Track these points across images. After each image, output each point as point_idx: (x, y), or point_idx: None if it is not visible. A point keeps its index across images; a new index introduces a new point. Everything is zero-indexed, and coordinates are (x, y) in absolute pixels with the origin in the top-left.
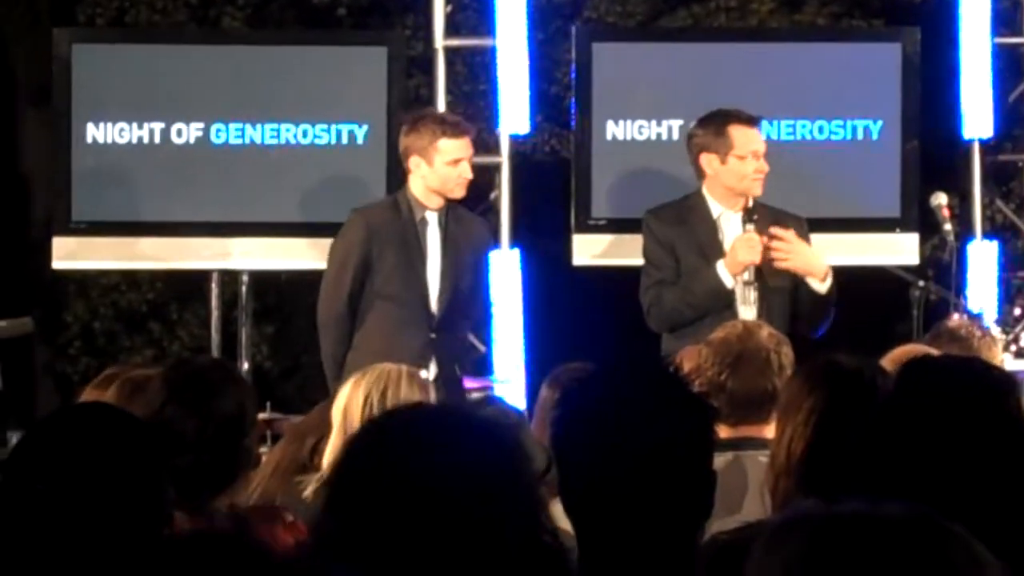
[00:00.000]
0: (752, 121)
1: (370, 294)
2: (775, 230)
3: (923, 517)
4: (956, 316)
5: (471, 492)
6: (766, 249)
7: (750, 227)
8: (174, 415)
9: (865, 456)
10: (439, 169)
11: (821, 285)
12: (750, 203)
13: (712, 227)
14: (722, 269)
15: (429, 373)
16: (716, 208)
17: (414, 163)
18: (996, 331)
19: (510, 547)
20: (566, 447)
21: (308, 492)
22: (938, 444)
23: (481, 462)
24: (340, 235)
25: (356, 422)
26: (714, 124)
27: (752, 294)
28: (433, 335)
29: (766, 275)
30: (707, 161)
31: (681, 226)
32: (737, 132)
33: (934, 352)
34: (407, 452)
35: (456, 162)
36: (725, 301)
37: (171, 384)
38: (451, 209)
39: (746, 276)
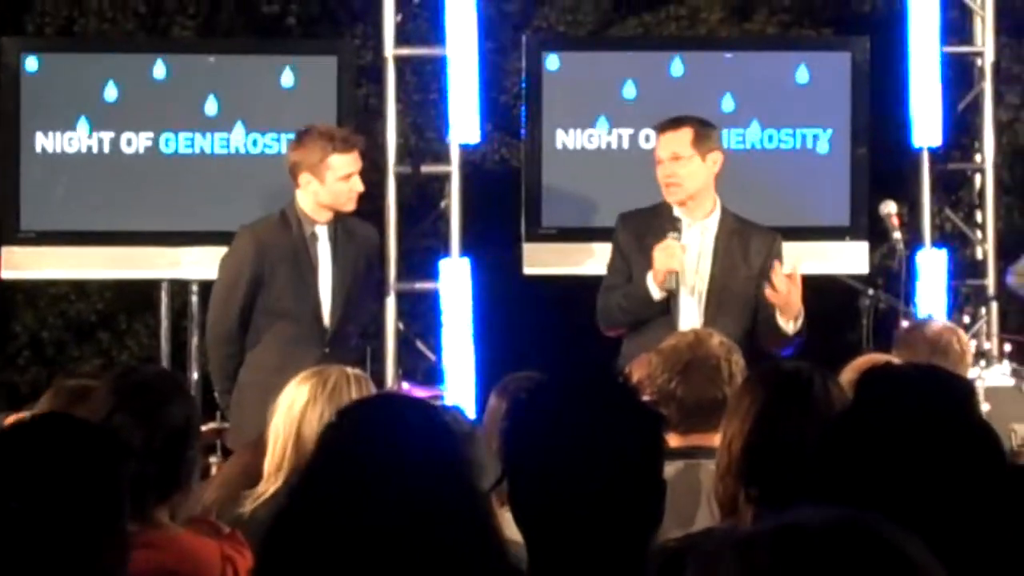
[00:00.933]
0: (661, 127)
1: (262, 310)
2: (788, 270)
3: (852, 523)
4: (935, 324)
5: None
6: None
7: (673, 235)
8: (122, 424)
9: (825, 465)
10: (331, 185)
11: (787, 325)
12: (714, 215)
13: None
14: (650, 279)
15: None
16: (684, 219)
17: (304, 180)
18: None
19: (461, 552)
20: (516, 457)
21: (246, 509)
22: (899, 452)
23: (438, 450)
24: (229, 251)
25: (313, 431)
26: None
27: (694, 305)
28: (327, 350)
29: (717, 290)
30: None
31: (640, 231)
32: (657, 140)
33: (895, 360)
34: (374, 441)
35: (347, 177)
36: (654, 309)
37: (119, 393)
38: (340, 221)
39: (694, 285)
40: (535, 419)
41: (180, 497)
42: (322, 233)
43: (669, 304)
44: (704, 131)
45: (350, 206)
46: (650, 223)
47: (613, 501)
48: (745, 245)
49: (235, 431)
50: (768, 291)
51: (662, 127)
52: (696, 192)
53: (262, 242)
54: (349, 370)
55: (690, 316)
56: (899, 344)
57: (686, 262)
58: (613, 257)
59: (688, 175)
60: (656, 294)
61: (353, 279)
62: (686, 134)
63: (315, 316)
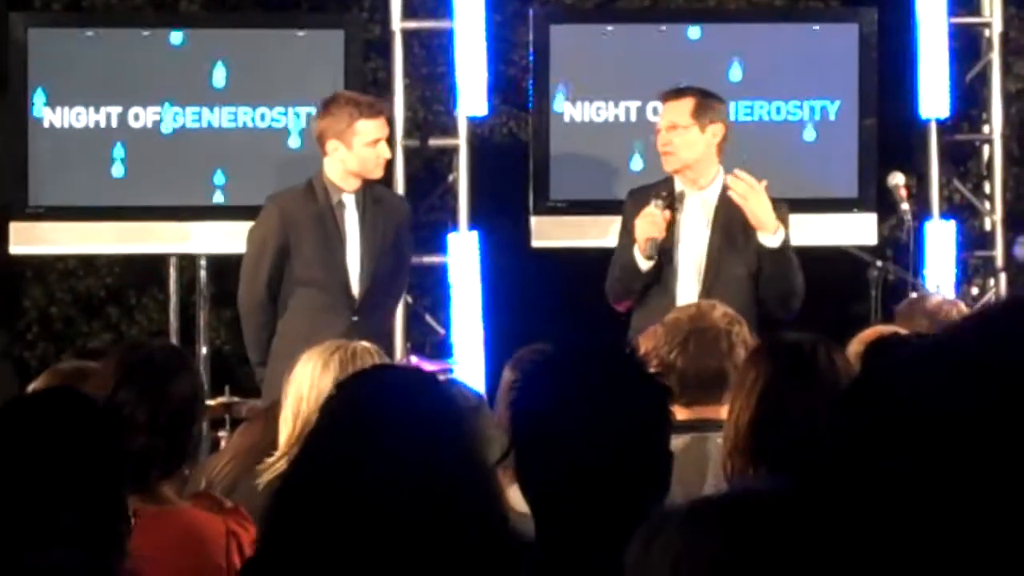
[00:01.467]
0: (665, 96)
1: (290, 280)
2: (736, 170)
3: (794, 495)
4: (935, 296)
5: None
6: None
7: (656, 203)
8: (127, 399)
9: (831, 438)
10: (358, 151)
11: (772, 238)
12: (714, 186)
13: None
14: (636, 248)
15: None
16: (686, 190)
17: (331, 147)
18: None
19: (462, 523)
20: (524, 429)
21: (262, 480)
22: (905, 423)
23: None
24: (255, 223)
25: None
26: None
27: (692, 274)
28: (355, 318)
29: (720, 261)
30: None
31: (643, 206)
32: (662, 109)
33: (902, 331)
34: (372, 412)
35: (375, 142)
36: (642, 279)
37: (124, 368)
38: (368, 189)
39: (692, 256)
40: (543, 391)
41: (186, 472)
42: (349, 201)
43: (665, 274)
44: (706, 102)
45: (378, 172)
46: (654, 196)
47: (620, 473)
48: (735, 218)
49: (266, 400)
50: (739, 199)
51: (665, 96)
52: (693, 162)
53: (287, 212)
54: (365, 344)
55: (688, 286)
56: (899, 317)
57: (684, 231)
58: (621, 233)
59: (683, 144)
60: (641, 263)
61: (381, 247)
62: (687, 104)
63: (343, 284)
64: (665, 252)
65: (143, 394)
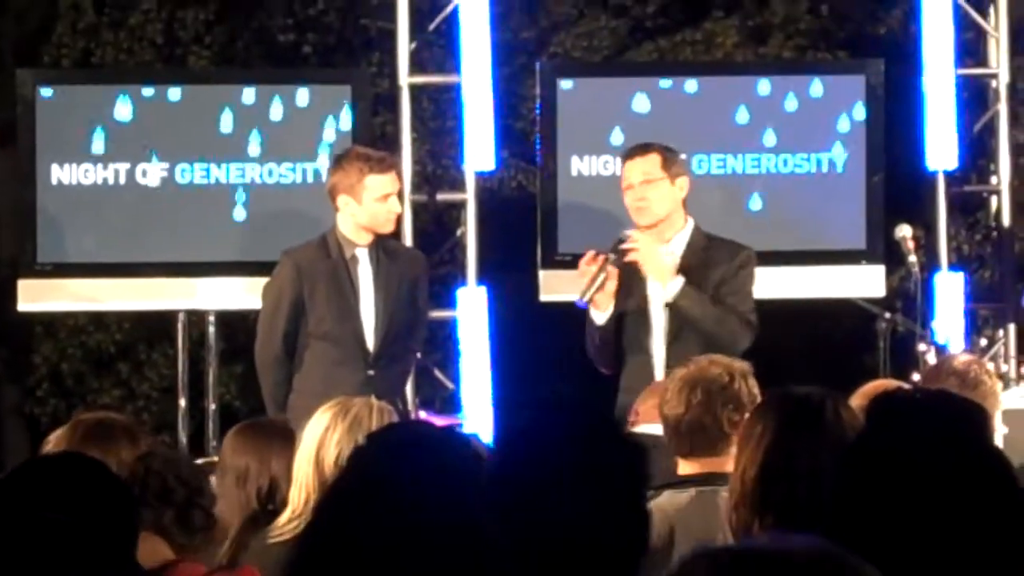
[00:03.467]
0: (629, 154)
1: (305, 335)
2: (625, 232)
3: (829, 554)
4: (961, 355)
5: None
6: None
7: (611, 256)
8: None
9: (839, 493)
10: (368, 206)
11: (665, 291)
12: (680, 238)
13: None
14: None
15: None
16: (664, 245)
17: (342, 201)
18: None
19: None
20: (502, 493)
21: (273, 540)
22: (913, 479)
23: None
24: (271, 278)
25: (330, 459)
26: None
27: (662, 324)
28: (371, 372)
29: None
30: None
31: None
32: (624, 167)
33: (904, 385)
34: (400, 465)
35: (385, 197)
36: (600, 335)
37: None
38: (382, 243)
39: (656, 308)
40: (521, 457)
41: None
42: (363, 256)
43: (639, 331)
44: (671, 156)
45: (388, 227)
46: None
47: (598, 532)
48: (710, 260)
49: None
50: (633, 255)
51: (630, 154)
52: (666, 216)
53: (302, 266)
54: (372, 401)
55: (658, 335)
56: (926, 379)
57: (652, 285)
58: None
59: (658, 198)
60: (597, 318)
61: (396, 300)
62: (655, 158)
63: (357, 338)
64: (638, 309)
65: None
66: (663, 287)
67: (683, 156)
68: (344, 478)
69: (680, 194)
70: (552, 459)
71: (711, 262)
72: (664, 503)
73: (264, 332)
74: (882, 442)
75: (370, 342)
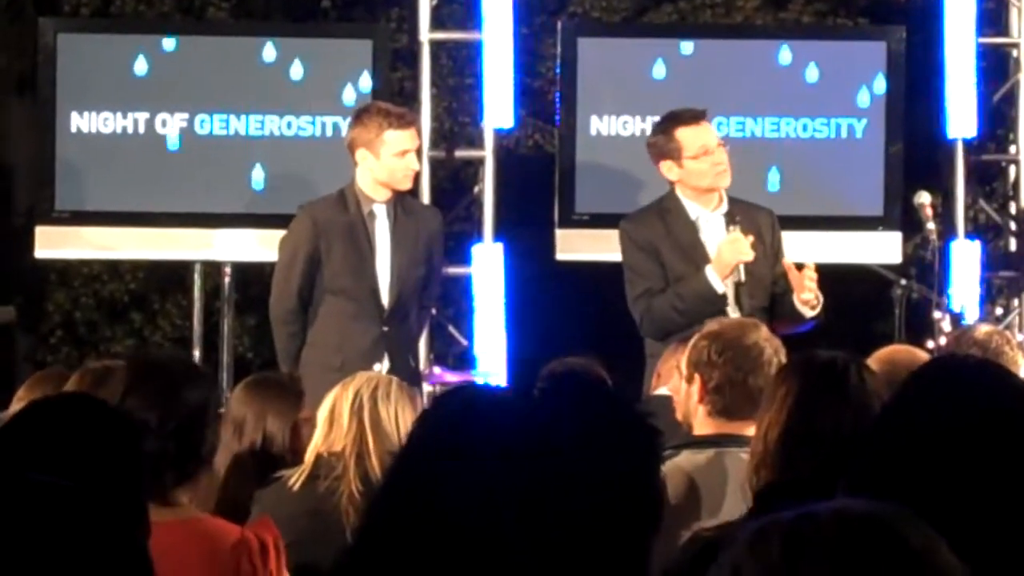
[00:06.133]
0: (696, 118)
1: (320, 289)
2: (808, 272)
3: (867, 517)
4: (983, 326)
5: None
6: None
7: (734, 228)
8: (136, 405)
9: (875, 454)
10: (386, 161)
11: (806, 310)
12: (724, 203)
13: (692, 229)
14: (711, 273)
15: (382, 366)
16: (694, 210)
17: (361, 156)
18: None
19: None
20: (509, 476)
21: (296, 484)
22: (951, 445)
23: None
24: (287, 232)
25: (344, 417)
26: (663, 130)
27: (741, 296)
28: (385, 327)
29: (747, 276)
30: (667, 168)
31: (662, 230)
32: (684, 134)
33: (917, 350)
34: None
35: (403, 153)
36: (717, 306)
37: (134, 375)
38: (400, 200)
39: (735, 279)
40: (528, 436)
41: (200, 479)
42: (380, 212)
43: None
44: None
45: (406, 184)
46: (664, 219)
47: (610, 515)
48: (756, 226)
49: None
50: (808, 291)
51: (696, 118)
52: None
53: (318, 220)
54: (396, 379)
55: (734, 310)
56: (948, 349)
57: (712, 254)
58: (638, 261)
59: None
60: (720, 288)
61: (412, 257)
62: (711, 124)
63: (373, 293)
64: (697, 271)
65: (153, 400)
66: (810, 310)
67: None
68: (412, 446)
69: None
70: (558, 437)
71: (761, 230)
72: (682, 462)
73: (280, 285)
74: (929, 405)
75: (385, 298)
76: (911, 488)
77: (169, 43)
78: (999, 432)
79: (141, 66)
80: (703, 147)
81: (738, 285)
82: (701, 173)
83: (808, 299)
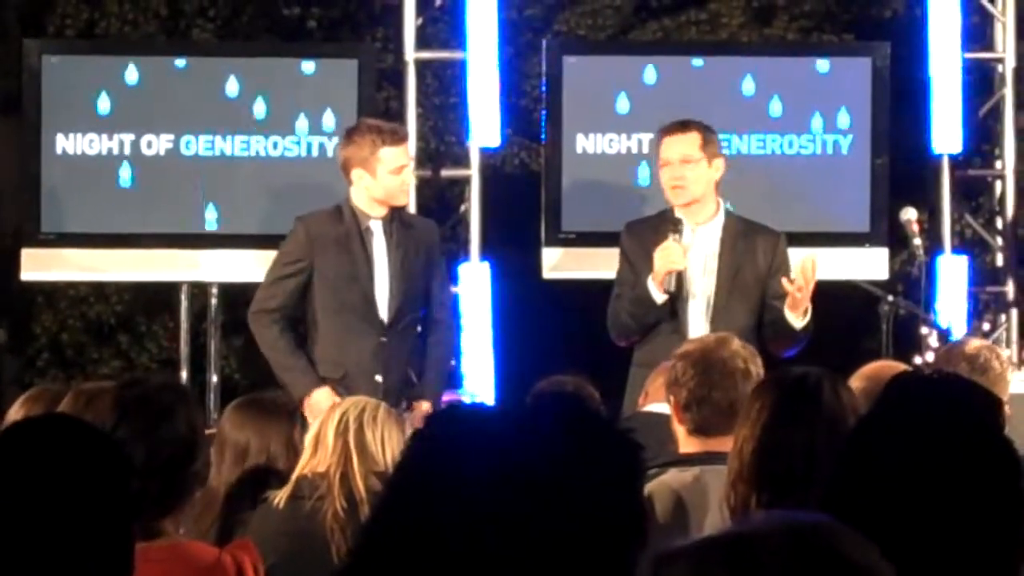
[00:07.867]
0: (667, 130)
1: (319, 306)
2: (799, 278)
3: (803, 531)
4: (972, 340)
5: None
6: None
7: (674, 236)
8: (124, 439)
9: (846, 470)
10: (383, 179)
11: (796, 320)
12: (719, 217)
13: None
14: (650, 282)
15: (380, 379)
16: (687, 223)
17: (356, 175)
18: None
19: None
20: (492, 494)
21: (280, 503)
22: (918, 461)
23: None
24: (284, 242)
25: (329, 439)
26: (656, 136)
27: (701, 309)
28: (383, 339)
29: (725, 292)
30: (655, 174)
31: (649, 241)
32: (660, 145)
33: (902, 367)
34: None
35: (399, 169)
36: (658, 313)
37: (121, 407)
38: (396, 214)
39: (702, 291)
40: (509, 455)
41: (184, 507)
42: (377, 227)
43: (676, 309)
44: (709, 136)
45: (403, 199)
46: (656, 229)
47: (595, 532)
48: (752, 246)
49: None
50: (788, 286)
51: (669, 129)
52: (701, 196)
53: (313, 233)
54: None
55: (697, 320)
56: (938, 362)
57: (691, 266)
58: (621, 267)
59: (695, 179)
60: (658, 296)
61: (411, 269)
62: (694, 137)
63: (370, 308)
64: (676, 287)
65: (140, 434)
66: (799, 320)
67: (717, 136)
68: (405, 465)
69: (715, 175)
70: (542, 455)
71: (756, 251)
72: (669, 480)
73: (264, 286)
74: (892, 421)
75: (383, 312)
76: (882, 504)
77: (155, 62)
78: (958, 448)
79: (127, 86)
80: (663, 160)
81: (672, 295)
82: (664, 186)
83: (798, 299)
